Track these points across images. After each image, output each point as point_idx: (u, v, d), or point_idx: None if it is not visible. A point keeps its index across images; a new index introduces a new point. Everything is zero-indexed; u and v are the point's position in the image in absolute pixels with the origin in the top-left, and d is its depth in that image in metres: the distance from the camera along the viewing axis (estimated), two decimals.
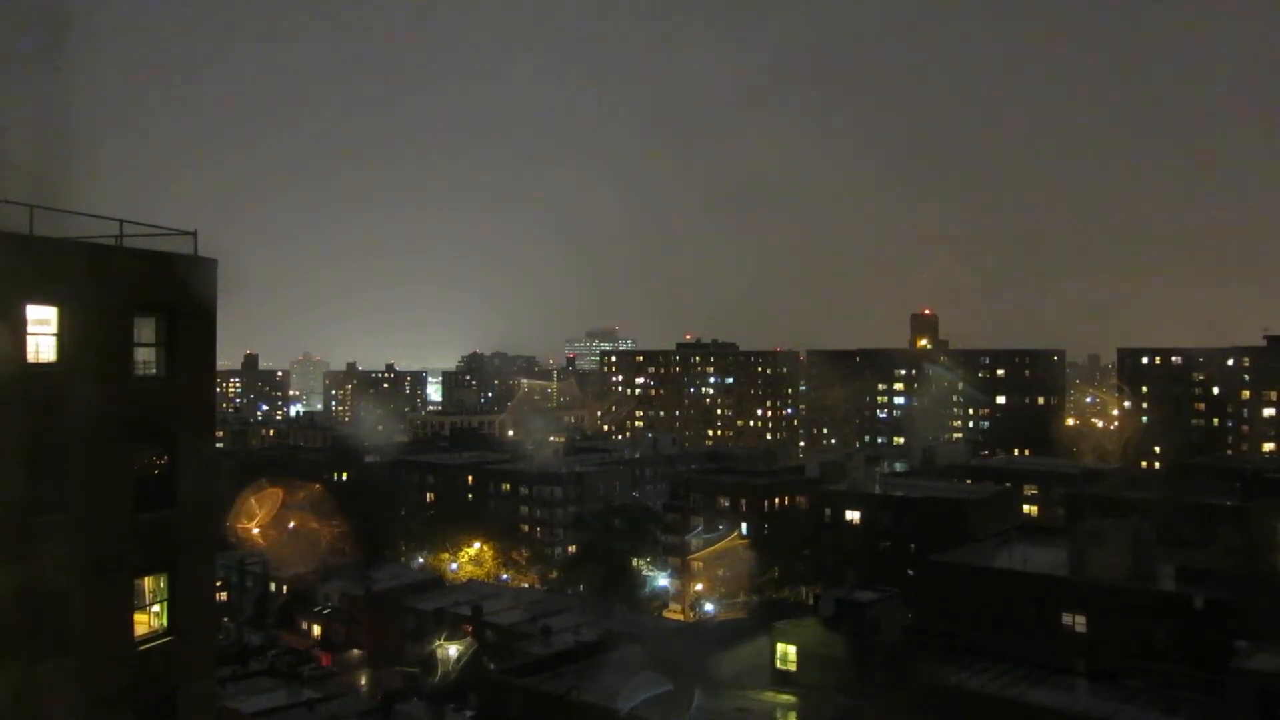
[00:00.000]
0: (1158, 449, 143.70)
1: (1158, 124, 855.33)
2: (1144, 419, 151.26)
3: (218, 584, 74.85)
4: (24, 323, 18.25)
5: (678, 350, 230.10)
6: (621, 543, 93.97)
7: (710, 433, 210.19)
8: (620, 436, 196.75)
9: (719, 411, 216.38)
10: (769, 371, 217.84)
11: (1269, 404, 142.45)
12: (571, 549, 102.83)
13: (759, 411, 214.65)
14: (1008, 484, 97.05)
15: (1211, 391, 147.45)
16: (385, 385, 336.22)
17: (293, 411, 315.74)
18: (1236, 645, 41.66)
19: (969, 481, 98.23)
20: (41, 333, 18.55)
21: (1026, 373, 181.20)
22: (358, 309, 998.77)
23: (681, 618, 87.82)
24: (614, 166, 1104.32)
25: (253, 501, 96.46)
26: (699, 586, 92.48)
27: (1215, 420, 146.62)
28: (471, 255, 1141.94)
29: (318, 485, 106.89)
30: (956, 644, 46.71)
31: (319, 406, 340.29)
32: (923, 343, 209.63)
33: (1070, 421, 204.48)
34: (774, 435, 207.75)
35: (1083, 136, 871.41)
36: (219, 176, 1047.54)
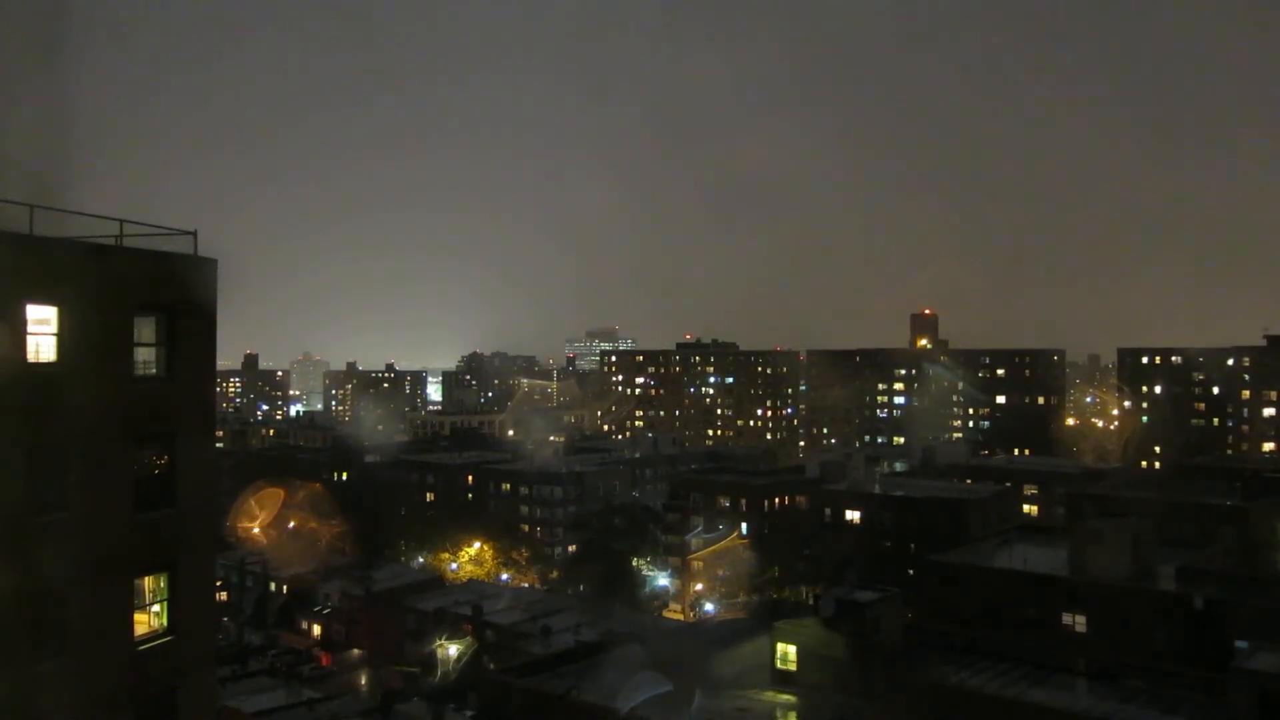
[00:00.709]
0: (1158, 449, 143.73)
1: (1158, 124, 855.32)
2: (1144, 419, 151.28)
3: (218, 584, 74.89)
4: (24, 323, 18.25)
5: (678, 350, 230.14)
6: (621, 543, 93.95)
7: (710, 433, 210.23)
8: (620, 436, 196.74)
9: (719, 411, 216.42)
10: (769, 371, 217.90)
11: (1269, 404, 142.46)
12: (571, 549, 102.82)
13: (759, 411, 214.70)
14: (1008, 484, 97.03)
15: (1211, 391, 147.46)
16: (385, 385, 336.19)
17: (293, 411, 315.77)
18: (1236, 645, 41.72)
19: (969, 481, 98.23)
20: (41, 333, 18.55)
21: (1026, 373, 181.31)
22: (358, 309, 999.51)
23: (681, 618, 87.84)
24: (614, 166, 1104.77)
25: (253, 501, 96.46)
26: (699, 586, 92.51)
27: (1215, 420, 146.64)
28: (471, 255, 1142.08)
29: (318, 485, 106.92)
30: (956, 644, 46.71)
31: (319, 406, 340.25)
32: (923, 343, 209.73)
33: (1070, 421, 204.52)
34: (774, 435, 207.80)
35: (1083, 136, 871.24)
36: (219, 176, 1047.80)
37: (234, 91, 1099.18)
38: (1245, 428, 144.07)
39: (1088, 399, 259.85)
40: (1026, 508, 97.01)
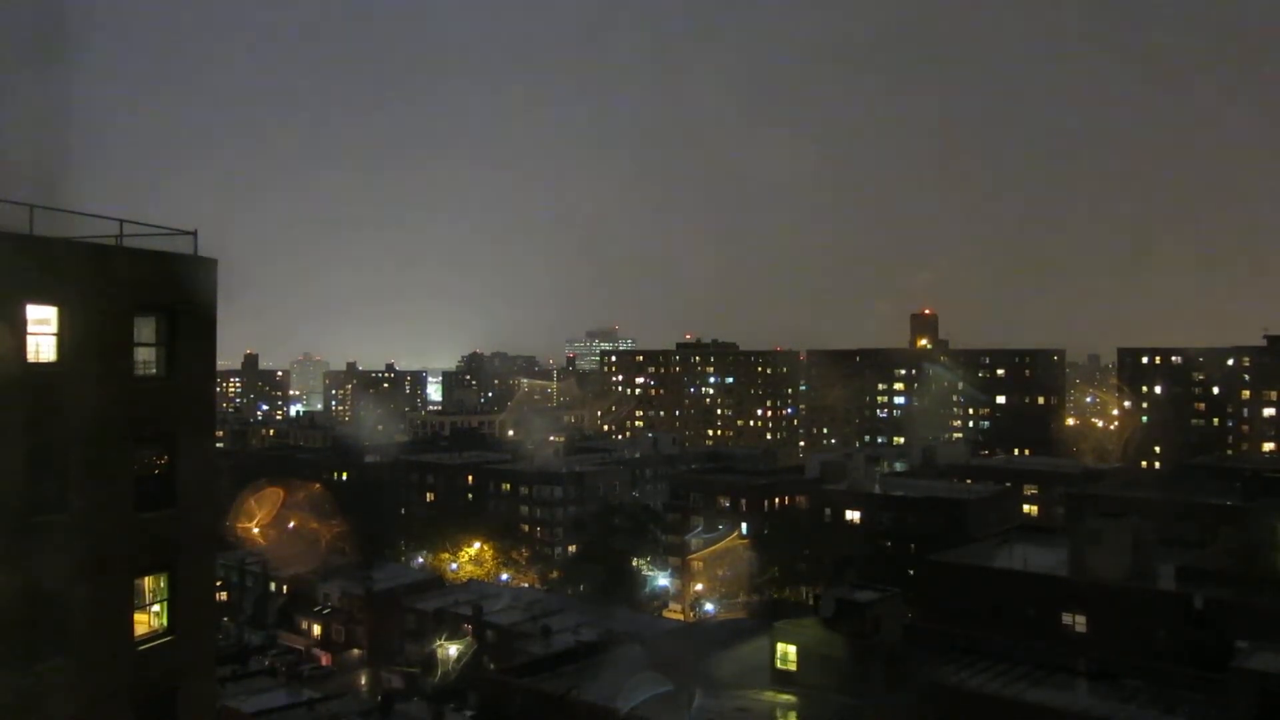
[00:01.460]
0: (1158, 449, 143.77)
1: (1158, 123, 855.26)
2: (1144, 419, 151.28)
3: (218, 584, 74.91)
4: (24, 323, 18.26)
5: (678, 350, 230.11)
6: (621, 543, 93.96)
7: (710, 433, 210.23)
8: (620, 436, 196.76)
9: (719, 411, 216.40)
10: (769, 371, 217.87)
11: (1269, 404, 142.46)
12: (571, 549, 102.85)
13: (759, 411, 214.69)
14: (1008, 484, 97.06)
15: (1211, 391, 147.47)
16: (385, 385, 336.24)
17: (293, 411, 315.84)
18: (1236, 645, 41.69)
19: (969, 481, 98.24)
20: (41, 333, 18.55)
21: (1026, 373, 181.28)
22: (358, 309, 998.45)
23: (681, 618, 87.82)
24: (614, 166, 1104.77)
25: (253, 501, 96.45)
26: (699, 586, 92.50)
27: (1215, 420, 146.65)
28: (472, 255, 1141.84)
29: (318, 485, 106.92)
30: (956, 644, 46.71)
31: (319, 406, 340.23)
32: (923, 343, 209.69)
33: (1070, 421, 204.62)
34: (774, 435, 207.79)
35: (1083, 136, 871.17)
36: (219, 176, 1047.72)
37: (234, 92, 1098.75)
38: (1245, 428, 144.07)
39: (1088, 399, 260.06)
40: (1026, 508, 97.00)
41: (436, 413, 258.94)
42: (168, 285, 21.41)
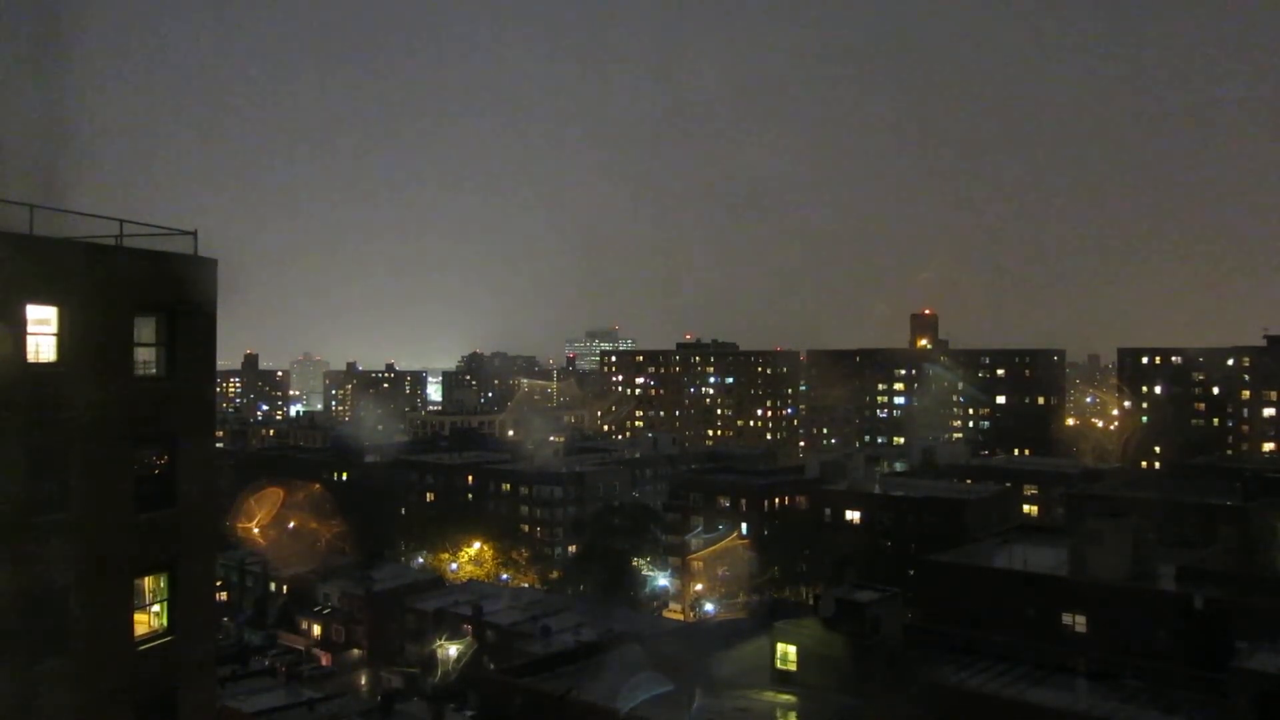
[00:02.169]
0: (1158, 449, 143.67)
1: (1158, 123, 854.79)
2: (1144, 419, 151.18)
3: (218, 584, 74.90)
4: (24, 323, 18.25)
5: (678, 350, 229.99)
6: (621, 543, 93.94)
7: (710, 433, 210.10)
8: (620, 436, 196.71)
9: (719, 411, 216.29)
10: (769, 371, 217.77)
11: (1269, 404, 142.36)
12: (571, 549, 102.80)
13: (759, 411, 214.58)
14: (1008, 484, 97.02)
15: (1211, 391, 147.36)
16: (385, 385, 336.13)
17: (293, 411, 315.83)
18: (1236, 645, 41.66)
19: (969, 481, 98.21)
20: (41, 333, 18.55)
21: (1026, 373, 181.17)
22: (358, 309, 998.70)
23: (681, 618, 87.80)
24: (615, 166, 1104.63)
25: (253, 501, 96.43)
26: (699, 586, 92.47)
27: (1215, 420, 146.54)
28: (472, 255, 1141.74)
29: (317, 485, 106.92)
30: (956, 644, 46.69)
31: (319, 406, 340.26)
32: (923, 343, 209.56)
33: (1070, 421, 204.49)
34: (774, 435, 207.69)
35: (1083, 136, 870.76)
36: (219, 177, 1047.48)
37: (234, 91, 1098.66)
38: (1245, 428, 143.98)
39: (1088, 399, 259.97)
40: (1026, 508, 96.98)
41: (436, 413, 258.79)
42: (168, 285, 21.40)
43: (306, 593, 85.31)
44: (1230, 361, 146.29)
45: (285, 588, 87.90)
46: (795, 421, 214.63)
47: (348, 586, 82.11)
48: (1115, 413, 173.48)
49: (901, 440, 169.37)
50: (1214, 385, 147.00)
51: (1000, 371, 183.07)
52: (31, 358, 18.41)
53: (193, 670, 22.00)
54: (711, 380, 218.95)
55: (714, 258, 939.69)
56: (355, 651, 79.67)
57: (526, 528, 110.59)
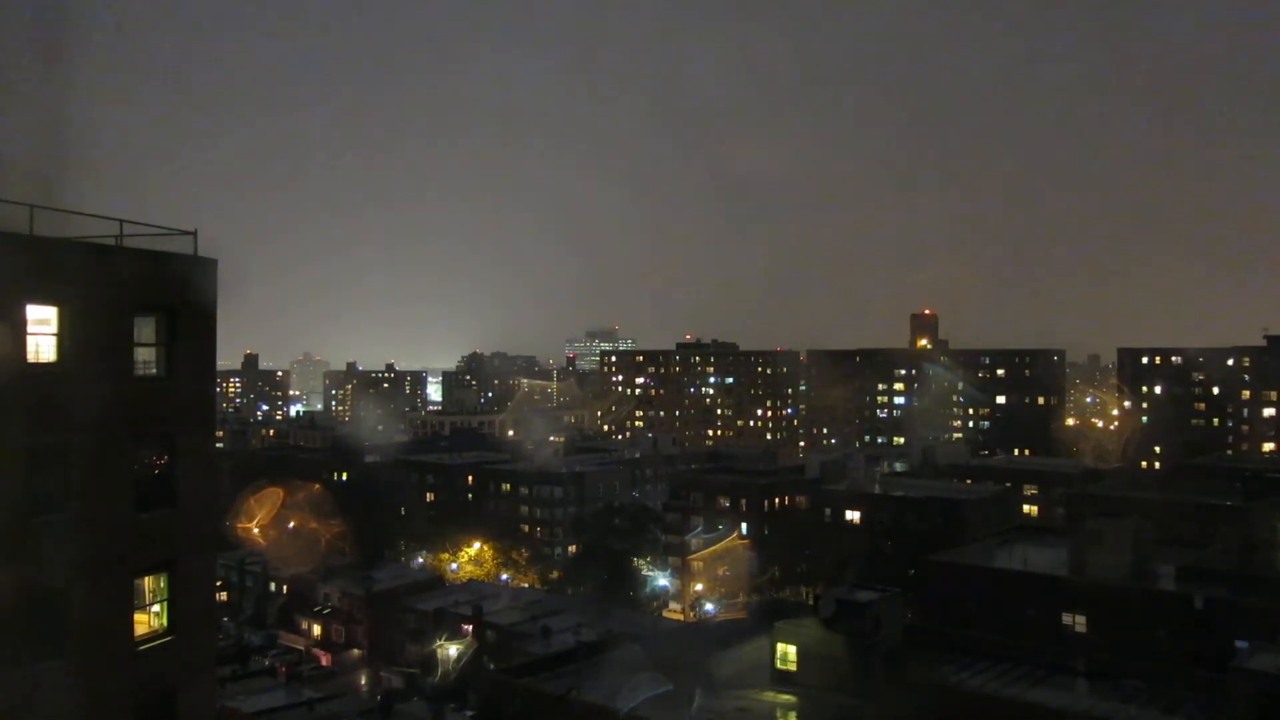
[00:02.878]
0: (1158, 449, 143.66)
1: (1158, 124, 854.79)
2: (1144, 419, 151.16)
3: (218, 584, 74.84)
4: (24, 323, 18.25)
5: (678, 350, 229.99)
6: (621, 543, 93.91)
7: (710, 433, 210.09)
8: (620, 436, 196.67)
9: (719, 411, 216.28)
10: (769, 371, 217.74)
11: (1269, 404, 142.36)
12: (571, 549, 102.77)
13: (759, 411, 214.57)
14: (1008, 484, 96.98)
15: (1211, 391, 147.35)
16: (385, 385, 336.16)
17: (293, 411, 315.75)
18: (1236, 645, 41.67)
19: (969, 481, 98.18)
20: (41, 333, 18.55)
21: (1026, 373, 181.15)
22: (358, 309, 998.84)
23: (681, 618, 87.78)
24: (615, 166, 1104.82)
25: (253, 501, 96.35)
26: (699, 586, 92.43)
27: (1215, 420, 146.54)
28: (472, 255, 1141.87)
29: (318, 485, 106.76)
30: (956, 644, 46.69)
31: (319, 406, 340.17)
32: (923, 343, 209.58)
33: (1070, 421, 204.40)
34: (774, 435, 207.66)
35: (1083, 136, 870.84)
36: (219, 176, 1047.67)
37: (235, 91, 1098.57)
38: (1245, 428, 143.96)
39: (1088, 399, 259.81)
40: (1026, 508, 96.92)
41: (436, 413, 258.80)
42: (168, 285, 21.40)
43: (306, 593, 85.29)
44: (1230, 361, 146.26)
45: (285, 588, 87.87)
46: (795, 421, 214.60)
47: (348, 586, 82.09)
48: (1115, 413, 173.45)
49: (901, 440, 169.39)
50: (1214, 385, 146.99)
51: (1000, 371, 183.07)
52: (31, 358, 18.41)
53: (193, 670, 22.00)
54: (711, 380, 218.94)
55: (714, 258, 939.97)
56: (355, 651, 79.66)
57: (526, 528, 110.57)
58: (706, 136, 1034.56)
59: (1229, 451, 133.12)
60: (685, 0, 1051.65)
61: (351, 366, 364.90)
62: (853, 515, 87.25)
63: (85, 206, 20.44)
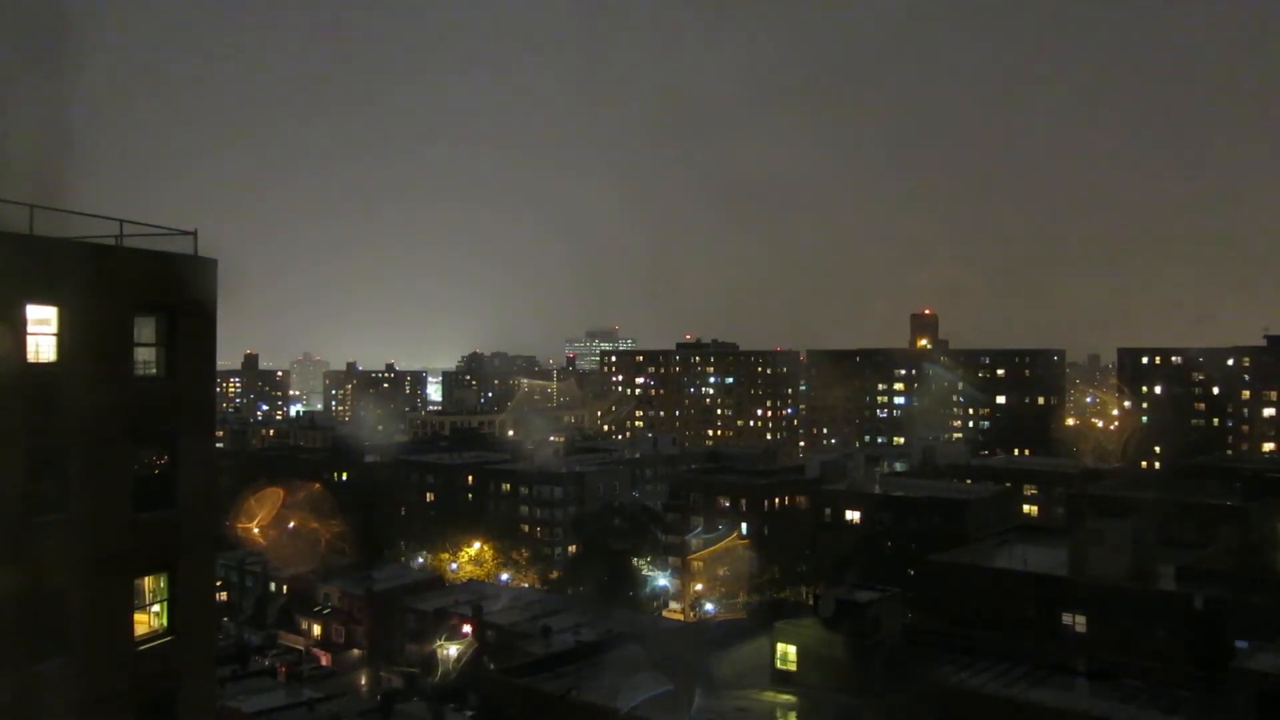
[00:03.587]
0: (1158, 449, 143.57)
1: (1158, 124, 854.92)
2: (1144, 419, 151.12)
3: (218, 584, 74.88)
4: (24, 323, 18.24)
5: (678, 350, 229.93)
6: (621, 543, 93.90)
7: (710, 433, 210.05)
8: (620, 436, 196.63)
9: (719, 411, 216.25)
10: (769, 371, 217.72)
11: (1269, 404, 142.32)
12: (571, 549, 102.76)
13: (759, 411, 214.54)
14: (1008, 484, 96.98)
15: (1211, 391, 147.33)
16: (385, 385, 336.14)
17: (293, 411, 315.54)
18: (1236, 645, 41.68)
19: (969, 481, 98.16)
20: (41, 333, 18.53)
21: (1026, 373, 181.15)
22: (358, 309, 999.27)
23: (681, 618, 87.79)
24: (615, 166, 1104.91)
25: (253, 501, 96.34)
26: (699, 586, 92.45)
27: (1215, 420, 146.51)
28: (472, 255, 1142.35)
29: (318, 485, 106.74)
30: (956, 644, 46.69)
31: (319, 406, 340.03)
32: (923, 343, 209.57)
33: (1070, 421, 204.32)
34: (774, 435, 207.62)
35: (1083, 137, 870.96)
36: (219, 176, 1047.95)
37: (234, 91, 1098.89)
38: (1245, 428, 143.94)
39: (1088, 399, 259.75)
40: (1026, 508, 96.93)
41: (436, 413, 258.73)
42: (168, 285, 21.39)
43: (306, 593, 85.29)
44: (1230, 361, 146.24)
45: (285, 588, 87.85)
46: (795, 421, 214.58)
47: (348, 586, 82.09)
48: (1115, 413, 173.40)
49: (901, 440, 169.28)
50: (1214, 385, 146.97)
51: (1000, 371, 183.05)
52: (31, 358, 18.39)
53: (193, 670, 21.98)
54: (711, 380, 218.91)
55: (714, 258, 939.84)
56: (355, 651, 79.65)
57: (526, 528, 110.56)
58: (706, 137, 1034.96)
59: (1229, 451, 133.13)
60: (685, 1, 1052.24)
61: (351, 366, 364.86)
62: (853, 515, 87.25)
63: (85, 206, 20.44)
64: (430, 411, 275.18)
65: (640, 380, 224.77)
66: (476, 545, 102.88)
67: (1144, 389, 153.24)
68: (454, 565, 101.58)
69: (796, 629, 46.04)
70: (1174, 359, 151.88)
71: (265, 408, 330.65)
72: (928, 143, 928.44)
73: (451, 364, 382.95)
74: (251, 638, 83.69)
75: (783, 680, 44.69)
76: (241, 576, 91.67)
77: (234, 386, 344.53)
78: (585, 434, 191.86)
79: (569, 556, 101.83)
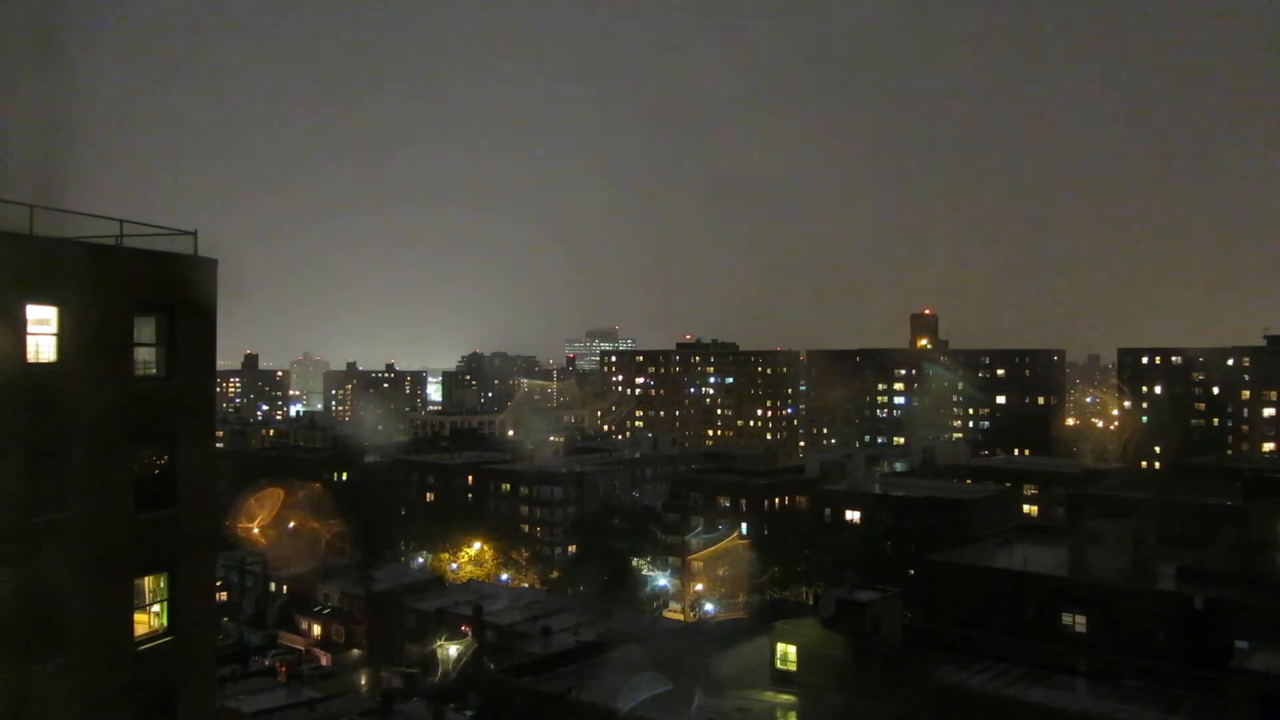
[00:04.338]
0: (1158, 449, 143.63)
1: (1158, 124, 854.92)
2: (1144, 419, 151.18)
3: (218, 584, 74.79)
4: (24, 323, 18.24)
5: (678, 350, 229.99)
6: (621, 543, 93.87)
7: (710, 433, 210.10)
8: (620, 436, 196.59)
9: (719, 411, 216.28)
10: (769, 371, 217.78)
11: (1269, 404, 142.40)
12: (571, 549, 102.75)
13: (759, 411, 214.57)
14: (1008, 484, 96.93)
15: (1211, 391, 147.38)
16: (385, 385, 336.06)
17: (293, 411, 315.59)
18: (1236, 645, 41.68)
19: (969, 481, 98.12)
20: (41, 333, 18.54)
21: (1026, 373, 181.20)
22: (358, 309, 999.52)
23: (681, 618, 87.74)
24: (615, 166, 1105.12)
25: (253, 501, 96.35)
26: (699, 586, 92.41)
27: (1215, 420, 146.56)
28: (472, 255, 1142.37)
29: (318, 485, 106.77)
30: (956, 644, 46.69)
31: (319, 406, 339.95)
32: (923, 343, 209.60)
33: (1070, 421, 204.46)
34: (774, 435, 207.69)
35: (1083, 137, 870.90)
36: (219, 176, 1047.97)
37: (234, 91, 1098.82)
38: (1245, 428, 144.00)
39: (1088, 399, 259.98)
40: (1026, 508, 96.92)
41: (436, 413, 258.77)
42: (168, 285, 21.39)
43: (306, 593, 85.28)
44: (1230, 361, 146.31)
45: (285, 588, 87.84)
46: (795, 421, 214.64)
47: (348, 586, 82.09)
48: (1115, 413, 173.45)
49: (901, 440, 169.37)
50: (1214, 385, 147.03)
51: (1000, 371, 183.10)
52: (31, 358, 18.40)
53: (193, 670, 21.98)
54: (711, 380, 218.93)
55: (714, 258, 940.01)
56: (355, 651, 79.65)
57: (526, 528, 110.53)
58: (706, 137, 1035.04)
59: (1229, 451, 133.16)
60: (685, 1, 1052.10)
61: (351, 366, 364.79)
62: (853, 515, 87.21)
63: (85, 206, 20.44)
64: (430, 411, 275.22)
65: (640, 380, 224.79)
66: (476, 545, 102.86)
67: (1144, 389, 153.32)
68: (454, 565, 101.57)
69: (797, 629, 46.03)
70: (1174, 359, 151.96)
71: (265, 408, 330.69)
72: (928, 143, 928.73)
73: (451, 364, 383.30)
74: (251, 638, 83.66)
75: (783, 680, 44.68)
76: (241, 576, 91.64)
77: (234, 386, 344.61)
78: (585, 434, 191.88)
79: (569, 556, 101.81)
